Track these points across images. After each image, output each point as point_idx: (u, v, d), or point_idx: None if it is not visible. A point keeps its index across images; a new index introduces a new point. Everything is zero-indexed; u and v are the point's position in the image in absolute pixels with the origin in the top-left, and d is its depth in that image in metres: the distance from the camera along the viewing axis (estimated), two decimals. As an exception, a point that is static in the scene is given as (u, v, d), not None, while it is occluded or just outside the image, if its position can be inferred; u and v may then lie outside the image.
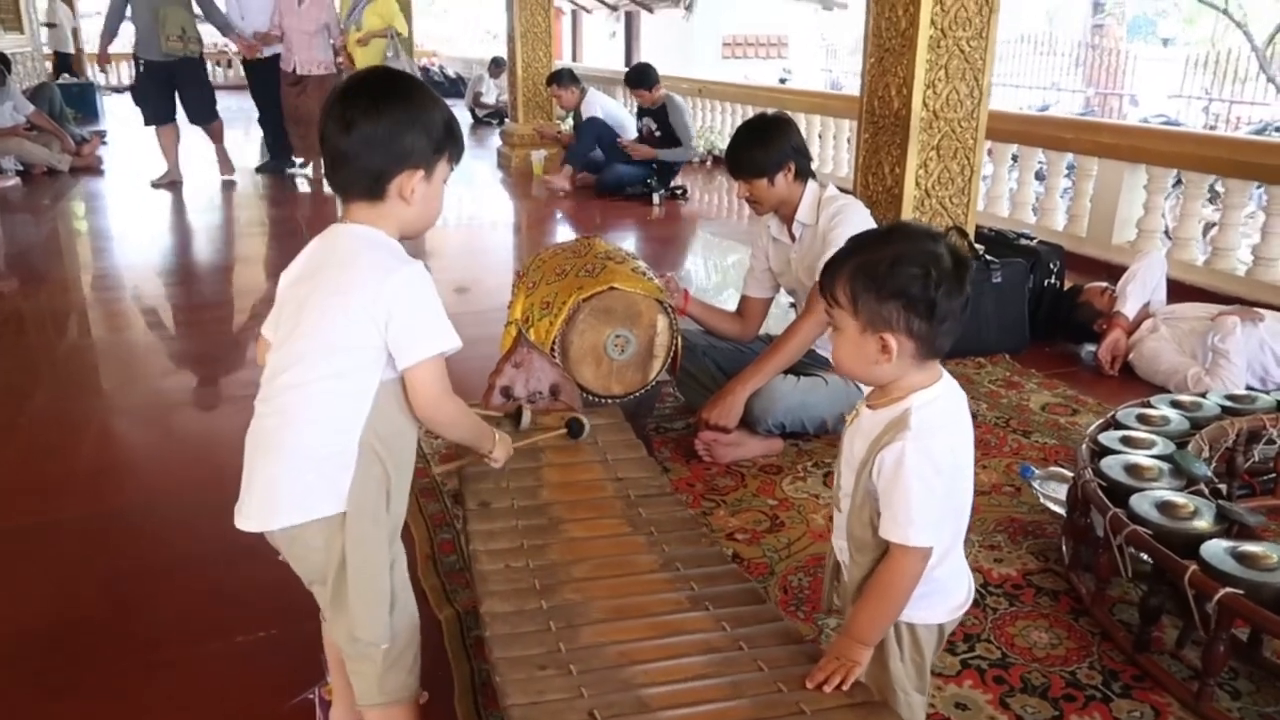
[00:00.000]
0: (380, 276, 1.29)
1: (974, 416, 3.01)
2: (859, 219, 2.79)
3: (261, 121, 8.18)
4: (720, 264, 5.74)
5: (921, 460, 1.21)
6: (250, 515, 1.33)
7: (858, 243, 1.32)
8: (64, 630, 2.02)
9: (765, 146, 2.79)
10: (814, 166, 2.94)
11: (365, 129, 1.30)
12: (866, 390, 2.90)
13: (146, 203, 7.08)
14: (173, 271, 5.24)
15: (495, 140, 9.69)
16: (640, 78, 7.04)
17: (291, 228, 6.46)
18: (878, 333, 1.24)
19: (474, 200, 7.80)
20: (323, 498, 1.29)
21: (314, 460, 1.29)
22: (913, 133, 3.69)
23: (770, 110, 3.13)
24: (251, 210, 7.15)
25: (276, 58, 7.56)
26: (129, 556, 2.32)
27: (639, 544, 1.65)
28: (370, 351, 1.29)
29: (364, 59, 7.96)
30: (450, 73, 16.58)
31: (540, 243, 6.02)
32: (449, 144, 1.39)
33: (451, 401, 1.40)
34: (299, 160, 8.10)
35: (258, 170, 8.14)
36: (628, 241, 5.98)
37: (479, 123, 12.58)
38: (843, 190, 2.97)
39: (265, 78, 7.73)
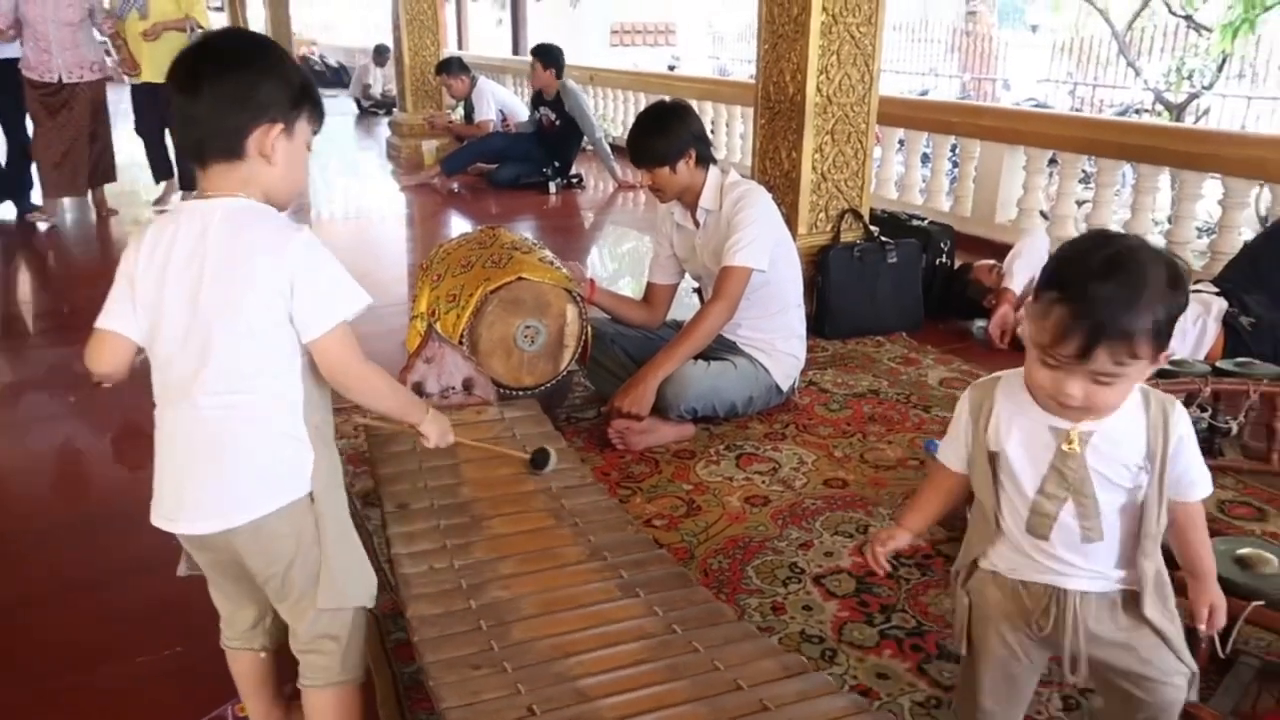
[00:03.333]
0: (278, 245, 1.24)
1: (876, 394, 3.14)
2: (763, 204, 2.83)
3: None
4: (618, 251, 5.74)
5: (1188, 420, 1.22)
6: (201, 517, 1.28)
7: (1132, 285, 1.10)
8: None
9: (665, 134, 2.80)
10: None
11: (218, 85, 1.24)
12: (777, 374, 2.94)
13: None
14: None
15: (384, 131, 9.45)
16: (545, 52, 6.89)
17: None
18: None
19: (363, 192, 7.59)
20: (287, 484, 1.29)
21: (273, 450, 1.28)
22: (808, 118, 3.76)
23: (668, 98, 3.13)
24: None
25: (13, 63, 5.38)
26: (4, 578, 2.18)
27: (565, 536, 1.64)
28: (287, 328, 1.26)
29: (154, 59, 5.71)
30: (332, 62, 16.09)
31: (436, 235, 5.91)
32: (307, 101, 1.33)
33: (369, 367, 1.36)
34: (38, 205, 5.76)
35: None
36: (525, 232, 5.92)
37: (365, 113, 12.26)
38: (742, 176, 3.00)
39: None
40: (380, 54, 12.31)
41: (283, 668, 1.52)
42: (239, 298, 1.23)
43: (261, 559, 1.31)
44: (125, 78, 6.07)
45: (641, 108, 8.57)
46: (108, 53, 6.02)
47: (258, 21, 15.95)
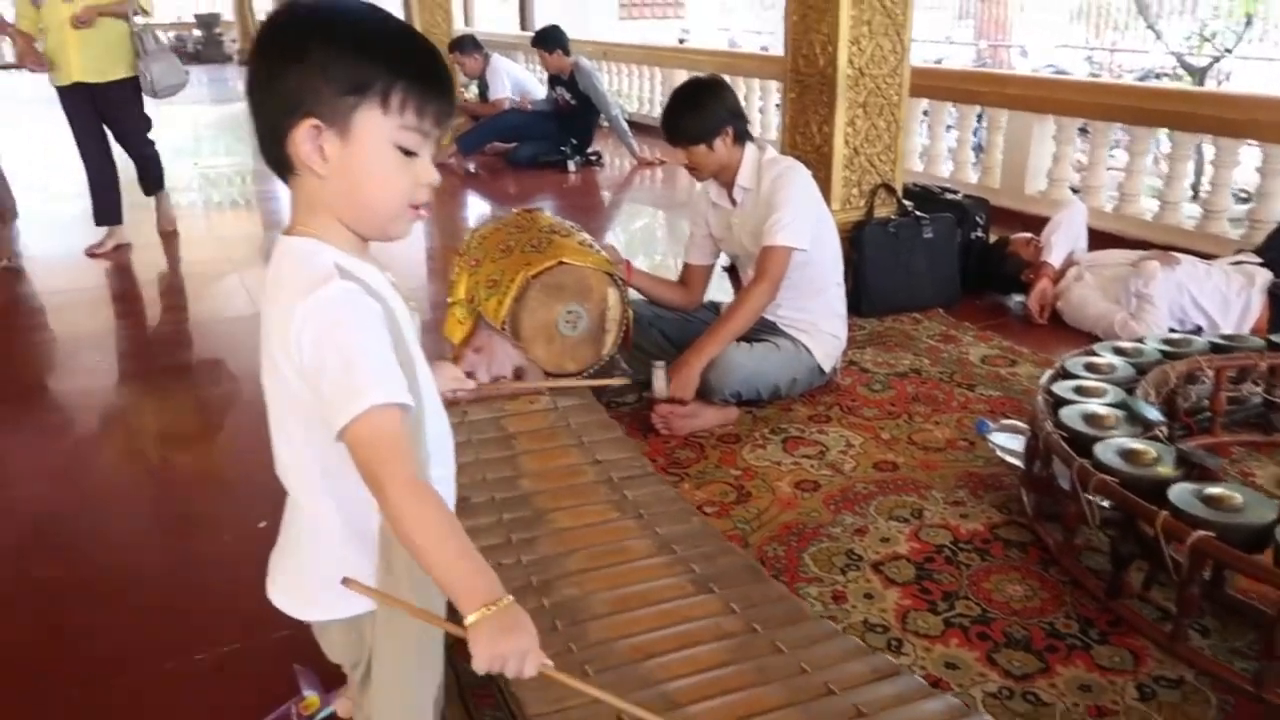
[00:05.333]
0: (286, 312, 0.95)
1: (918, 373, 3.09)
2: (802, 181, 2.78)
3: None
4: (642, 229, 5.69)
5: None
6: (282, 594, 1.14)
7: None
8: (-3, 662, 1.86)
9: (701, 112, 2.74)
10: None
11: (252, 74, 0.99)
12: (819, 355, 2.90)
13: None
14: None
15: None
16: (542, 38, 6.86)
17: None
18: None
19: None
20: (344, 596, 1.03)
21: (331, 551, 1.06)
22: (839, 90, 3.69)
23: (686, 72, 3.06)
24: None
25: None
26: (60, 578, 2.16)
27: (630, 528, 1.61)
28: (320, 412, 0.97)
29: (87, 52, 4.44)
30: (339, 41, 15.94)
31: (455, 217, 5.86)
32: (377, 80, 0.95)
33: (414, 500, 0.95)
34: None
35: None
36: (545, 211, 5.88)
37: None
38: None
39: None
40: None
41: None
42: (269, 377, 1.02)
43: (328, 650, 1.19)
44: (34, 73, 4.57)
45: (657, 83, 8.53)
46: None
47: (263, 3, 15.90)
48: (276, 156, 0.99)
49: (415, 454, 1.01)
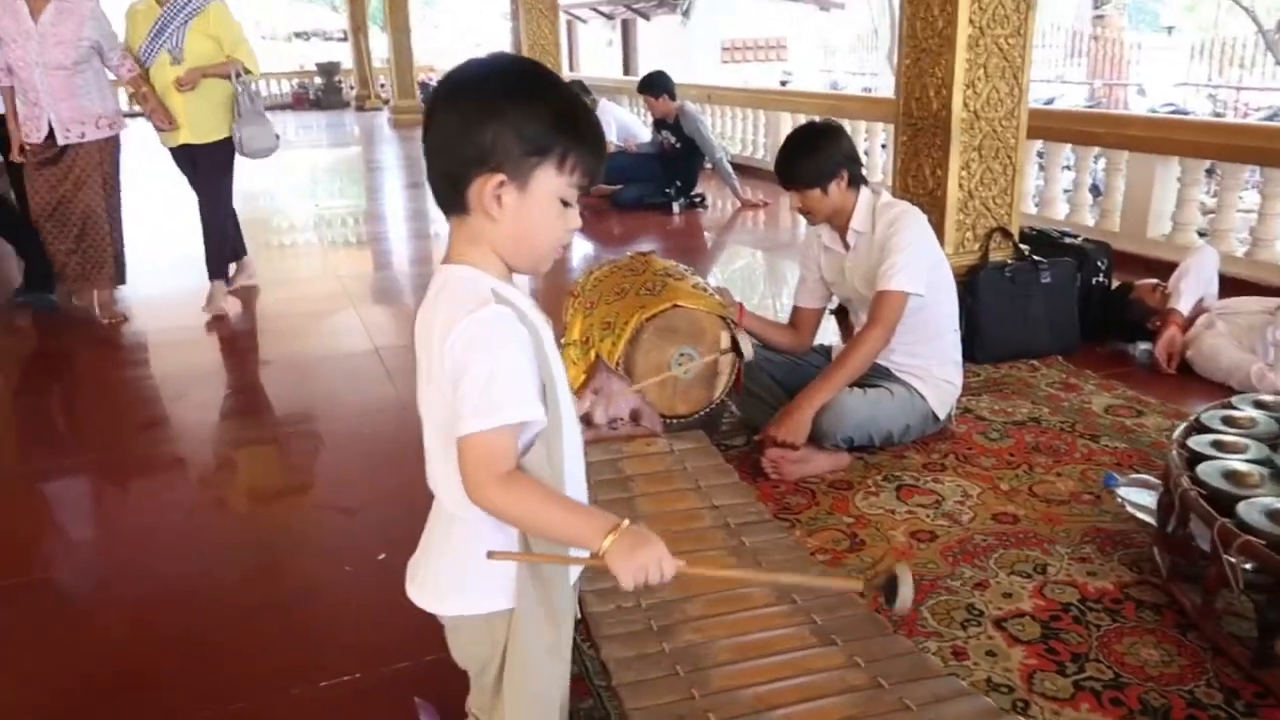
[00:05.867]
0: (443, 331, 1.07)
1: (1037, 422, 2.99)
2: (918, 226, 2.74)
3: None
4: (743, 268, 5.69)
5: None
6: (420, 590, 1.22)
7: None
8: (127, 682, 1.95)
9: (816, 156, 2.74)
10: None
11: (441, 123, 1.08)
12: (934, 402, 2.84)
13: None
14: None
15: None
16: (648, 84, 6.98)
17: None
18: None
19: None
20: (483, 593, 1.15)
21: (475, 549, 1.12)
22: (954, 134, 3.64)
23: (817, 119, 3.07)
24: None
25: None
26: (193, 602, 2.26)
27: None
28: None
29: (192, 114, 4.41)
30: (450, 86, 16.55)
31: (561, 258, 5.95)
32: (558, 145, 1.07)
33: (504, 490, 1.06)
34: (71, 293, 4.68)
35: (18, 300, 4.77)
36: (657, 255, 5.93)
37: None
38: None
39: None
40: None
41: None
42: (426, 391, 1.13)
43: (457, 653, 1.25)
44: (158, 132, 4.55)
45: (760, 125, 8.56)
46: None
47: (380, 49, 16.66)
48: (451, 198, 1.10)
49: (555, 473, 1.12)
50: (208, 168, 4.55)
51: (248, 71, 4.48)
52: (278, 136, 4.72)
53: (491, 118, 1.05)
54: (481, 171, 1.06)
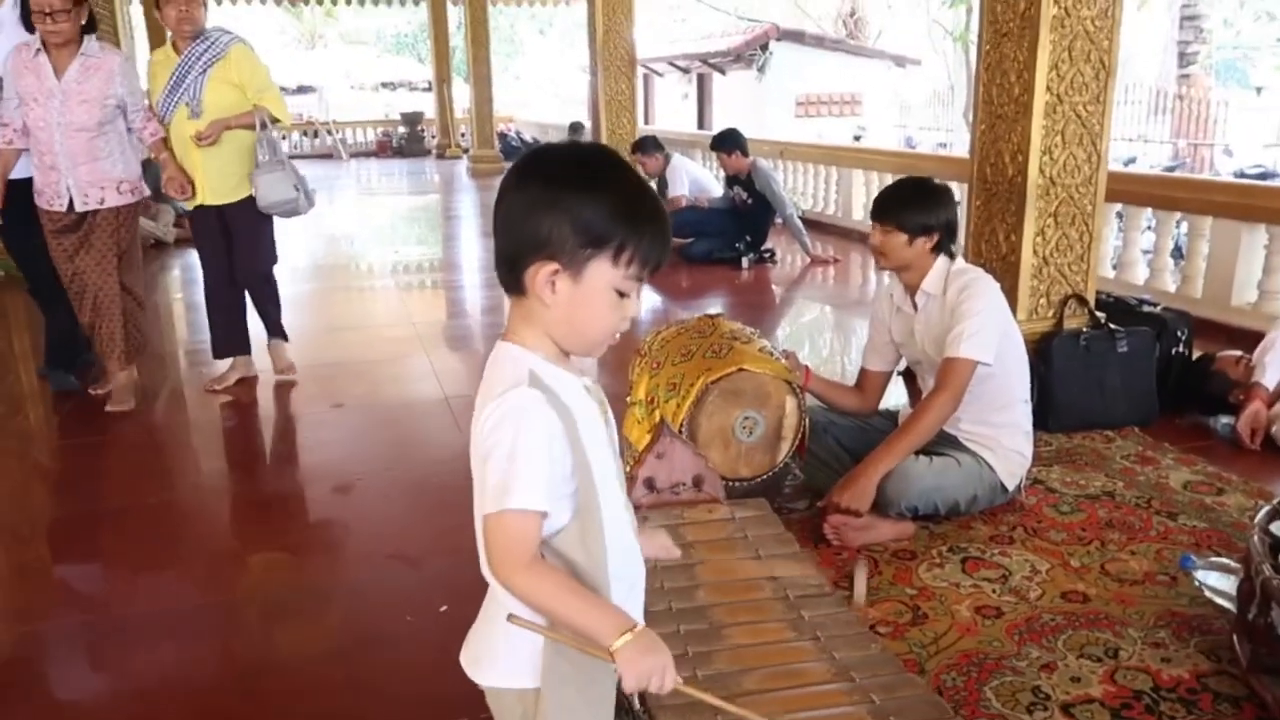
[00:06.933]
0: (479, 408, 1.11)
1: (1111, 496, 2.92)
2: (990, 294, 2.71)
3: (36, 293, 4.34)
4: (810, 324, 5.68)
5: None
6: (463, 652, 1.23)
7: None
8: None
9: (923, 206, 2.72)
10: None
11: (508, 201, 1.11)
12: (1002, 472, 2.79)
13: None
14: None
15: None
16: (720, 141, 7.07)
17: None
18: None
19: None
20: (516, 666, 1.15)
21: (501, 626, 1.13)
22: (1029, 200, 3.61)
23: (890, 176, 3.08)
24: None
25: (25, 184, 3.86)
26: (258, 647, 2.32)
27: (807, 650, 1.58)
28: None
29: (212, 170, 3.94)
30: (527, 137, 16.99)
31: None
32: (614, 237, 1.07)
33: (524, 576, 1.08)
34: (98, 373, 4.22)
35: (41, 376, 4.43)
36: (716, 306, 5.96)
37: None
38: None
39: (12, 222, 3.99)
40: (575, 130, 12.90)
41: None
42: (475, 469, 1.12)
43: (495, 714, 1.25)
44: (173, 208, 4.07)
45: (833, 182, 8.58)
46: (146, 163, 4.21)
47: (463, 99, 17.16)
48: (509, 279, 1.12)
49: (591, 553, 1.12)
50: (242, 229, 4.06)
51: (276, 120, 3.99)
52: (300, 190, 3.99)
53: (551, 205, 1.07)
54: (538, 258, 1.08)
